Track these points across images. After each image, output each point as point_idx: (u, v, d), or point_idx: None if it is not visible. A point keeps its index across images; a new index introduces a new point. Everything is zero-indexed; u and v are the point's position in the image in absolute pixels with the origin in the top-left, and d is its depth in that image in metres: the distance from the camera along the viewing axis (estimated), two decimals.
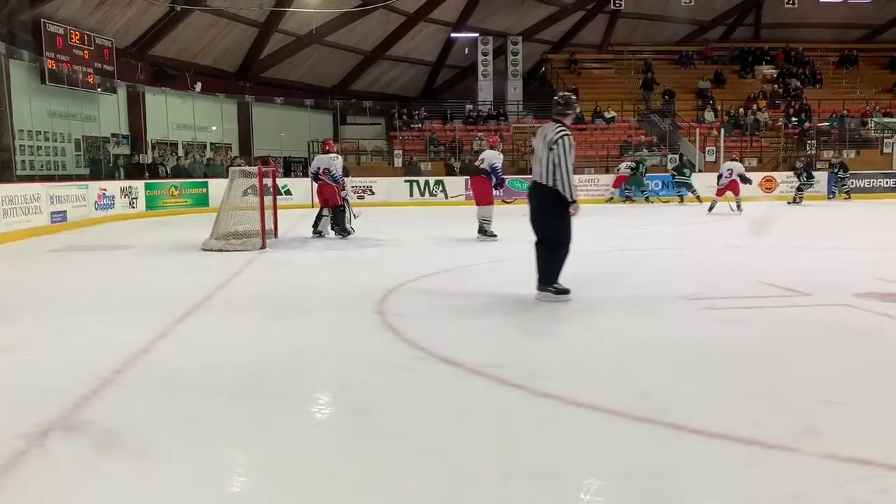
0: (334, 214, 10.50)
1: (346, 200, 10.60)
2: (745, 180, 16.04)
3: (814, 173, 18.98)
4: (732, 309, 5.35)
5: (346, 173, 10.93)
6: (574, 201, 5.31)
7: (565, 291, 5.49)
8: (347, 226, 10.54)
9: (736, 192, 15.67)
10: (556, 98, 5.59)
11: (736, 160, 17.11)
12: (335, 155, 10.62)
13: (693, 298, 5.64)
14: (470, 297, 5.88)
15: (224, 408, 3.26)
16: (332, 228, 10.57)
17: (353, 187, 14.84)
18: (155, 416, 3.15)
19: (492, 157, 10.06)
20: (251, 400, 3.36)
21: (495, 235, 9.93)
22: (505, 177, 11.42)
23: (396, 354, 4.14)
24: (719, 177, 16.08)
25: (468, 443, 2.84)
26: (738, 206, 15.50)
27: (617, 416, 3.07)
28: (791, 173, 20.28)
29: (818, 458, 2.62)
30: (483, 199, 10.02)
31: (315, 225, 10.85)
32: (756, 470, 2.56)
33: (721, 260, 8.05)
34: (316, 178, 10.58)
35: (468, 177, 14.43)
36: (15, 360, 4.12)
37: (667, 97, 25.36)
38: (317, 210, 11.11)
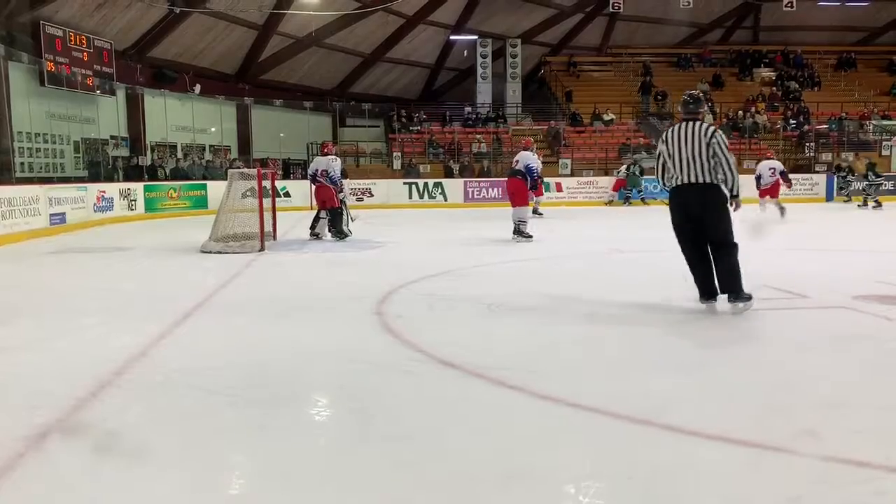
0: (332, 217, 10.47)
1: (344, 203, 10.58)
2: (788, 180, 14.97)
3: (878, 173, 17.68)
4: (731, 311, 5.34)
5: (344, 175, 10.90)
6: (737, 195, 5.15)
7: (750, 297, 5.12)
8: (345, 228, 10.50)
9: (775, 194, 14.44)
10: (685, 97, 5.37)
11: (773, 157, 15.34)
12: (334, 157, 10.64)
13: (692, 300, 5.64)
14: (469, 299, 5.87)
15: (223, 410, 3.25)
16: (329, 231, 10.54)
17: (351, 189, 14.83)
18: (154, 418, 3.14)
19: (527, 158, 10.19)
20: (250, 402, 3.35)
21: (531, 236, 10.05)
22: (540, 177, 11.60)
23: (396, 356, 4.14)
24: (758, 178, 14.62)
25: (467, 445, 2.83)
26: (782, 210, 13.88)
27: (616, 418, 3.07)
28: (836, 173, 19.85)
29: (817, 460, 2.62)
30: (519, 199, 10.11)
31: (312, 227, 10.82)
32: (755, 472, 2.55)
33: None
34: (314, 179, 10.58)
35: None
36: (13, 362, 4.11)
37: (659, 97, 25.38)
38: (315, 212, 11.10)
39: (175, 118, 21.16)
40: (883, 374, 3.72)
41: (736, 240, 5.13)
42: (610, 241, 10.32)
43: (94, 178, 17.13)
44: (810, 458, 2.63)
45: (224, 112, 22.86)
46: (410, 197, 20.08)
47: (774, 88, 27.08)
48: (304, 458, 2.73)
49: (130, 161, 19.20)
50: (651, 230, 11.93)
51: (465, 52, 26.92)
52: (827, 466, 2.58)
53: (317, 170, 10.49)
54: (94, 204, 14.69)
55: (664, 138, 5.28)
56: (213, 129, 22.77)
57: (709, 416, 3.08)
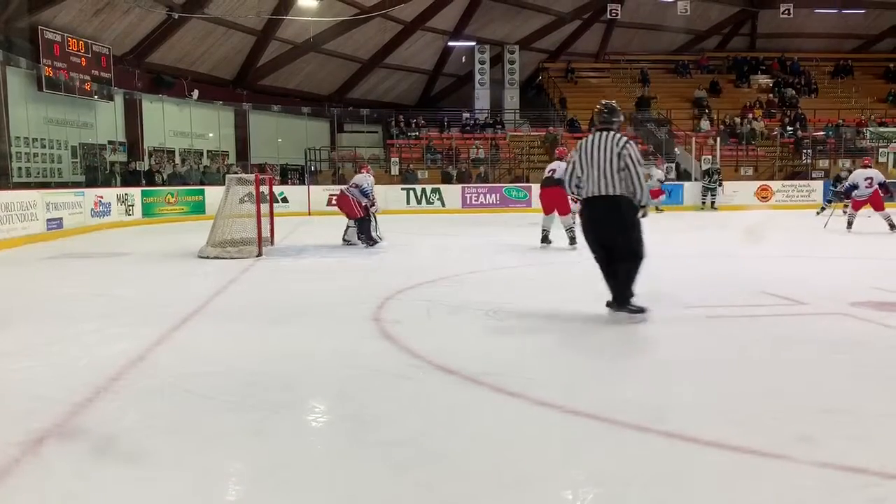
0: (359, 224, 10.61)
1: (374, 215, 10.72)
2: (887, 190, 13.45)
3: None
4: (729, 317, 5.36)
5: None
6: (645, 205, 5.16)
7: (643, 310, 5.13)
8: (374, 234, 10.62)
9: (879, 206, 12.80)
10: (599, 107, 5.33)
11: (870, 165, 13.53)
12: (368, 174, 11.09)
13: (690, 307, 5.65)
14: (467, 305, 5.87)
15: (220, 415, 3.25)
16: (359, 238, 10.64)
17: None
18: (151, 424, 3.14)
19: (564, 168, 10.31)
20: (248, 407, 3.35)
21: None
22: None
23: (393, 362, 4.13)
24: (851, 188, 13.02)
25: (465, 451, 2.83)
26: (893, 225, 12.46)
27: (613, 425, 3.07)
28: (834, 183, 19.50)
29: (814, 466, 2.62)
30: (563, 208, 10.29)
31: (343, 235, 11.06)
32: (752, 478, 2.55)
33: (718, 268, 8.06)
34: (342, 191, 10.91)
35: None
36: (10, 367, 4.10)
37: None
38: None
39: (173, 123, 21.18)
40: (880, 381, 3.72)
41: (644, 253, 5.16)
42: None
43: (91, 183, 17.11)
44: (807, 465, 2.63)
45: (222, 117, 22.89)
46: (408, 203, 20.11)
47: (771, 95, 27.18)
48: (302, 464, 2.72)
49: (128, 166, 19.20)
50: (651, 234, 11.96)
51: (464, 58, 26.98)
52: (824, 473, 2.58)
53: (352, 183, 10.86)
54: (92, 209, 14.68)
55: (577, 147, 5.27)
56: (210, 135, 22.79)
57: (706, 422, 3.08)
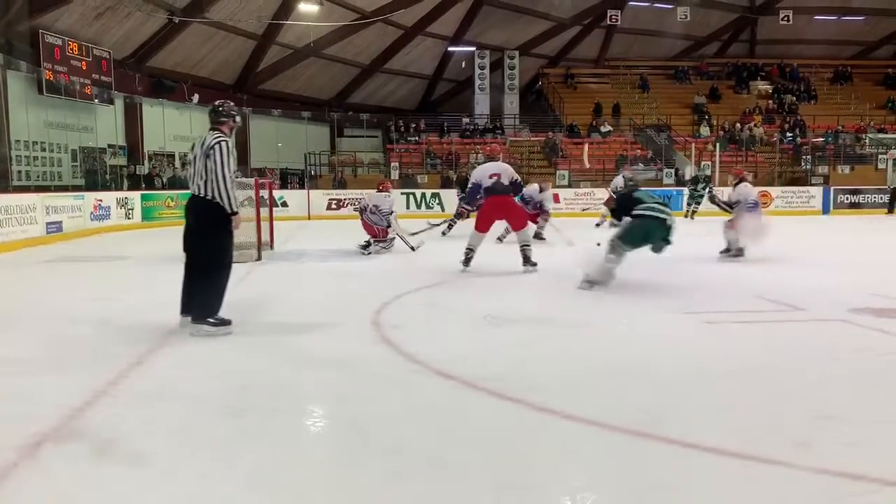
0: (384, 243, 10.30)
1: (400, 236, 10.36)
2: None
3: None
4: (728, 323, 5.35)
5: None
6: (236, 213, 4.89)
7: (227, 322, 4.91)
8: (407, 240, 10.27)
9: None
10: (213, 106, 5.09)
11: None
12: (388, 194, 10.51)
13: (688, 312, 5.65)
14: (466, 310, 5.87)
15: (219, 420, 3.24)
16: (372, 246, 10.24)
17: (352, 199, 14.77)
18: (149, 428, 3.13)
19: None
20: (246, 412, 3.34)
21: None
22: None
23: (392, 367, 4.13)
24: None
25: (463, 456, 2.83)
26: None
27: (612, 431, 3.07)
28: None
29: (813, 473, 2.62)
30: (516, 221, 10.11)
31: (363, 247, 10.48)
32: (751, 485, 2.55)
33: (717, 273, 8.06)
34: (363, 213, 10.43)
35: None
36: (8, 371, 4.09)
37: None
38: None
39: (173, 127, 21.20)
40: (879, 388, 3.71)
41: (225, 264, 4.92)
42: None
43: (91, 186, 17.13)
44: (806, 471, 2.63)
45: None
46: (408, 207, 20.10)
47: (771, 101, 27.25)
48: (300, 470, 2.72)
49: (128, 170, 19.21)
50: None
51: (464, 63, 27.05)
52: (823, 479, 2.58)
53: (368, 204, 10.36)
54: (91, 213, 14.68)
55: (193, 145, 5.07)
56: None
57: (706, 428, 3.08)
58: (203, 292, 4.88)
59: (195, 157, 4.91)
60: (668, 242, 6.88)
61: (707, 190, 17.87)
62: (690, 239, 13.04)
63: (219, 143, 4.81)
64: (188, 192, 4.99)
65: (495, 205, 8.01)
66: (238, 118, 5.13)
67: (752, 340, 4.84)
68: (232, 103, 5.22)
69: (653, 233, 6.76)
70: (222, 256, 4.94)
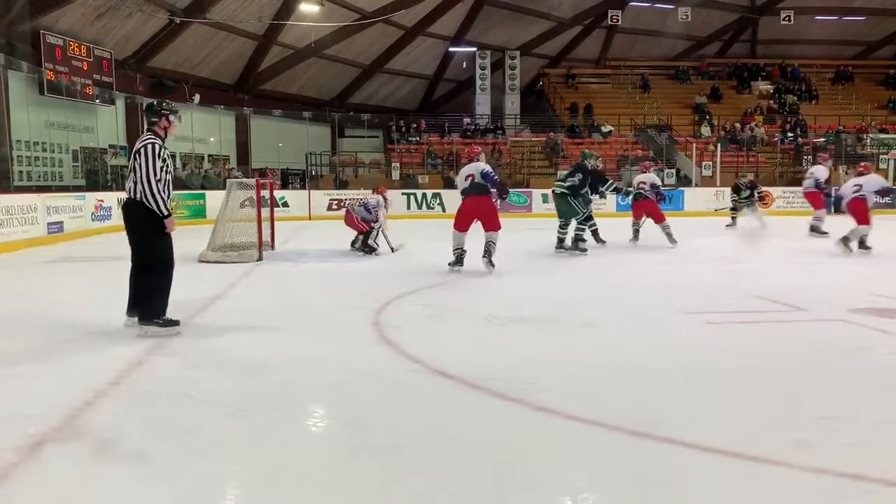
0: (364, 236, 10.44)
1: (382, 232, 10.45)
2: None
3: None
4: (729, 324, 5.36)
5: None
6: (169, 215, 4.81)
7: (174, 323, 4.94)
8: (370, 242, 10.40)
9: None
10: (147, 104, 5.06)
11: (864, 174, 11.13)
12: (379, 198, 10.55)
13: (690, 313, 5.65)
14: (467, 310, 5.87)
15: (219, 420, 3.24)
16: (356, 246, 10.44)
17: (353, 198, 14.78)
18: (150, 428, 3.13)
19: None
20: (247, 412, 3.34)
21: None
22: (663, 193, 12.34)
23: (393, 367, 4.13)
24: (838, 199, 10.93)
25: (464, 456, 2.83)
26: None
27: (613, 431, 3.07)
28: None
29: (814, 473, 2.62)
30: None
31: (352, 244, 10.77)
32: (752, 485, 2.55)
33: (718, 274, 8.06)
34: (350, 209, 10.54)
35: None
36: (9, 372, 4.10)
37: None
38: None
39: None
40: (880, 388, 3.71)
41: (165, 265, 4.91)
42: (608, 253, 10.33)
43: (92, 187, 17.13)
44: (806, 472, 2.63)
45: (223, 122, 22.93)
46: (409, 207, 20.10)
47: (772, 101, 27.22)
48: (300, 469, 2.72)
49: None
50: (651, 238, 11.95)
51: (464, 63, 27.05)
52: (823, 480, 2.58)
53: (356, 200, 10.64)
54: (92, 213, 14.68)
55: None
56: (212, 139, 22.82)
57: (707, 428, 3.08)
58: (147, 293, 4.88)
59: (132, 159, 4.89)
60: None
61: (752, 196, 15.59)
62: (694, 240, 13.04)
63: (145, 145, 4.76)
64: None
65: (472, 205, 8.17)
66: (173, 117, 4.99)
67: (752, 340, 4.84)
68: (170, 101, 5.14)
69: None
70: (161, 257, 4.91)
